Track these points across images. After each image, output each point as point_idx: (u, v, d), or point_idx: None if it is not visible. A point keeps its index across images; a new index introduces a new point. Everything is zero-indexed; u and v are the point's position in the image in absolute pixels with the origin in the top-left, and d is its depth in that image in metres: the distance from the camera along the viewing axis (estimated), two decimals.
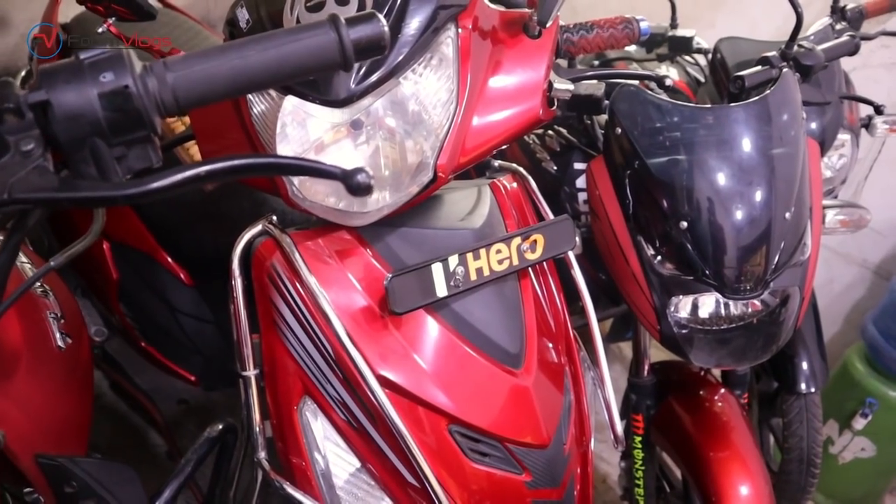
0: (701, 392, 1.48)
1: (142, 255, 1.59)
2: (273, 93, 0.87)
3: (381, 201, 0.90)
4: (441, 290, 0.92)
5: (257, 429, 0.99)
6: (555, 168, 1.52)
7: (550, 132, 1.53)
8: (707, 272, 1.17)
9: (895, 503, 2.36)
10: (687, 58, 1.93)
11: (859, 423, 2.11)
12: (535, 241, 1.01)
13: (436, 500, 0.91)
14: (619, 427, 1.12)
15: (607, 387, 1.13)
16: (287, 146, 0.86)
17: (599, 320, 1.86)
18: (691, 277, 1.19)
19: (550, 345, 1.08)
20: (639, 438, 1.54)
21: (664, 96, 1.24)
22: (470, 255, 0.95)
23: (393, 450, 0.94)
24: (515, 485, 0.97)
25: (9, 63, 2.12)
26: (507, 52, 0.97)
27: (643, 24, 1.07)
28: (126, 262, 1.62)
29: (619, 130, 1.23)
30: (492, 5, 0.98)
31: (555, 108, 1.03)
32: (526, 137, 1.58)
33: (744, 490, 1.32)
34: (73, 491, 0.83)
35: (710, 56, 1.68)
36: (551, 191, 1.51)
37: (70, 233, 1.59)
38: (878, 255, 2.33)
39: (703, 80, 1.88)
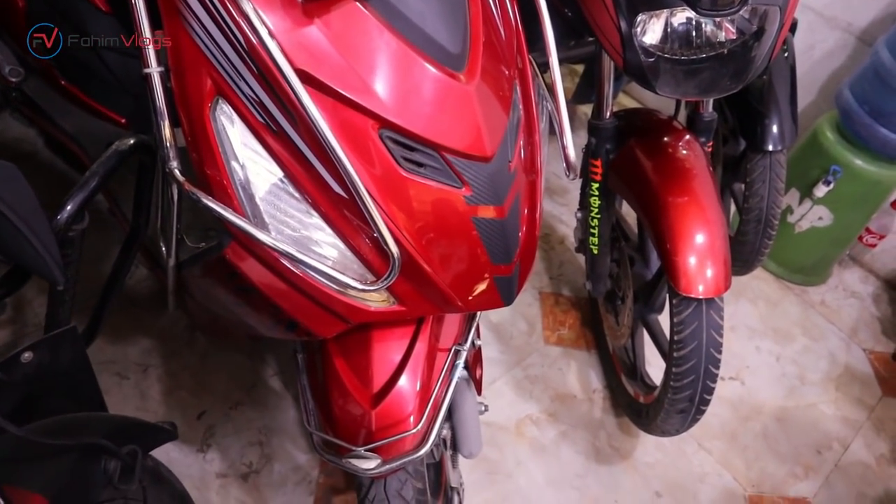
0: (664, 137, 1.40)
1: None
2: None
3: None
4: None
5: (166, 135, 0.88)
6: None
7: None
8: None
9: (842, 273, 2.41)
10: None
11: (821, 190, 2.08)
12: None
13: (364, 209, 0.83)
14: (572, 152, 1.04)
15: (561, 109, 1.03)
16: None
17: (562, 60, 1.74)
18: None
19: (499, 55, 0.96)
20: (596, 185, 1.48)
21: None
22: None
23: (317, 156, 0.85)
24: (453, 198, 0.89)
25: None
26: None
27: None
28: None
29: None
30: None
31: None
32: None
33: (699, 238, 1.27)
34: None
35: None
36: None
37: None
38: (865, 17, 2.17)
39: None
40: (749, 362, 2.02)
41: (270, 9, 0.80)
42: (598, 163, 1.45)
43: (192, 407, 1.63)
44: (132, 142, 0.99)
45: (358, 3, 0.83)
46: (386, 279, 0.89)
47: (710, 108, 1.46)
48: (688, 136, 1.41)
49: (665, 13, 1.09)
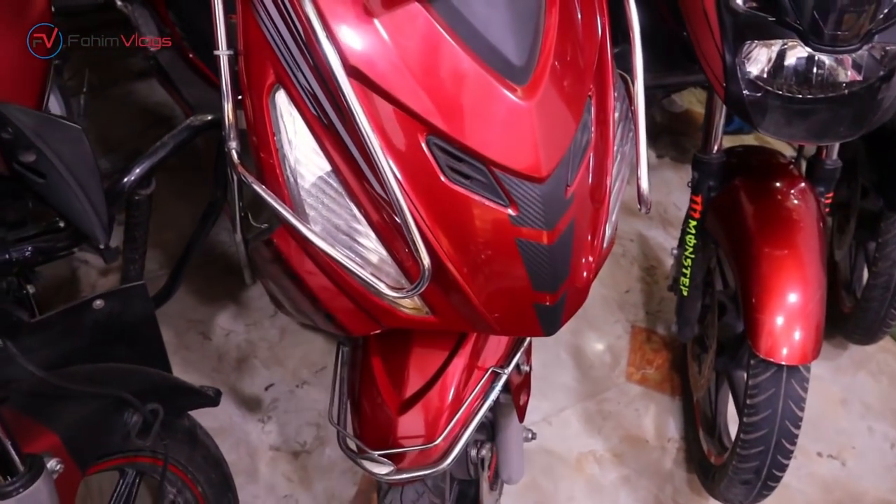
0: (774, 181, 1.27)
1: None
2: None
3: None
4: None
5: (228, 117, 0.90)
6: None
7: None
8: (793, 11, 0.92)
9: None
10: None
11: None
12: None
13: (399, 213, 0.81)
14: (645, 184, 0.96)
15: (641, 136, 0.96)
16: None
17: (660, 85, 1.62)
18: (773, 18, 0.95)
19: (574, 70, 0.90)
20: (693, 223, 1.37)
21: None
22: None
23: (362, 154, 0.83)
24: (497, 216, 0.85)
25: None
26: None
27: None
28: None
29: None
30: None
31: None
32: None
33: (792, 297, 1.15)
34: (10, 138, 0.79)
35: None
36: None
37: None
38: None
39: None
40: (856, 443, 1.81)
41: (332, 2, 0.80)
42: (699, 199, 1.34)
43: (262, 378, 1.69)
44: (208, 118, 1.02)
45: (419, 5, 0.81)
46: (414, 288, 0.86)
47: (835, 155, 1.31)
48: (803, 184, 1.27)
49: (776, 44, 0.98)
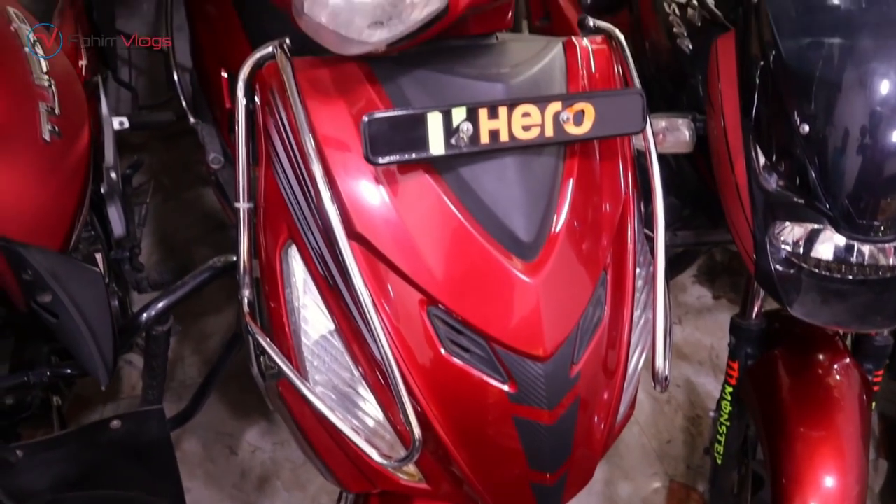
0: (817, 354, 1.20)
1: None
2: None
3: (381, 34, 0.75)
4: (437, 148, 0.77)
5: (243, 266, 0.92)
6: (690, 47, 1.24)
7: (694, 2, 1.23)
8: (824, 196, 0.89)
9: None
10: None
11: None
12: (581, 111, 0.81)
13: (392, 381, 0.80)
14: (661, 360, 0.92)
15: (658, 308, 0.92)
16: None
17: (713, 242, 1.56)
18: (802, 200, 0.91)
19: (588, 243, 0.89)
20: (730, 389, 1.30)
21: None
22: (483, 112, 0.77)
23: (361, 319, 0.83)
24: (495, 393, 0.83)
25: None
26: None
27: None
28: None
29: None
30: None
31: None
32: (665, 6, 1.30)
33: (828, 482, 1.06)
34: (30, 280, 0.82)
35: None
36: (683, 75, 1.24)
37: None
38: None
39: None
40: None
41: (343, 166, 0.82)
42: (735, 366, 1.28)
43: (282, 500, 1.66)
44: (232, 259, 1.05)
45: (429, 176, 0.82)
46: (404, 458, 0.84)
47: (886, 332, 1.23)
48: (848, 360, 1.19)
49: (807, 227, 0.94)
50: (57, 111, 0.89)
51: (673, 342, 1.39)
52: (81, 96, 1.03)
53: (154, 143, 2.45)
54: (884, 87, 0.86)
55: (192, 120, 1.81)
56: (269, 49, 0.86)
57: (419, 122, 0.76)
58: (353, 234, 0.81)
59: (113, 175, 1.42)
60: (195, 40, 1.87)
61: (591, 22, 0.98)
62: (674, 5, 1.27)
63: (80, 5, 1.65)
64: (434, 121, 0.76)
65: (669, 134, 1.10)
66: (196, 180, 2.37)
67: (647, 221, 0.97)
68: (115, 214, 1.39)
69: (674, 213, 1.37)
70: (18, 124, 0.83)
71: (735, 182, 1.00)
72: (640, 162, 0.96)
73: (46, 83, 0.89)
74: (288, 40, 0.86)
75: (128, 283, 1.55)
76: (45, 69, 0.91)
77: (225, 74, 1.67)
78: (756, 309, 1.25)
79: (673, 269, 1.68)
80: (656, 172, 0.92)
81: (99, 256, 1.29)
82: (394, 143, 0.76)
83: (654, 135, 0.94)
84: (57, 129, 0.87)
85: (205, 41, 1.79)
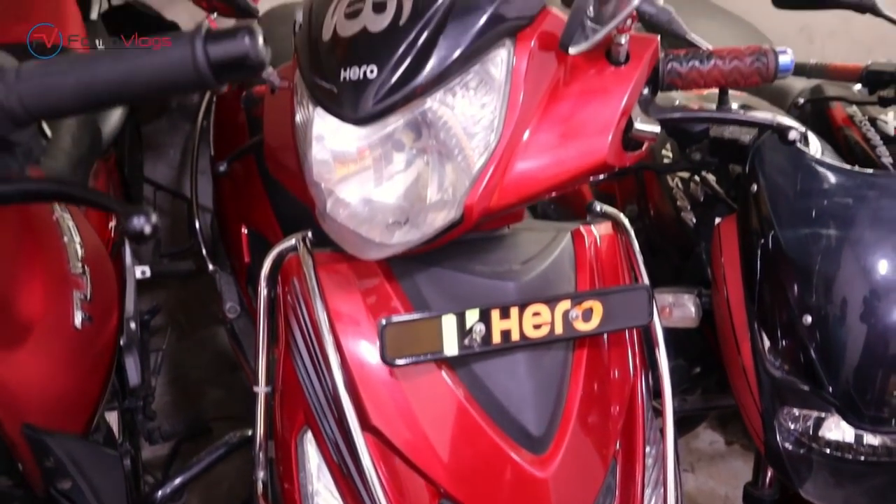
0: None
1: (269, 244, 1.63)
2: (307, 103, 0.81)
3: (399, 237, 0.80)
4: (451, 349, 0.80)
5: (258, 447, 0.94)
6: (694, 220, 1.29)
7: (697, 178, 1.30)
8: (829, 386, 0.91)
9: None
10: None
11: None
12: (590, 308, 0.85)
13: None
14: None
15: (669, 479, 0.92)
16: (314, 160, 0.80)
17: (711, 408, 1.55)
18: (807, 388, 0.93)
19: (597, 433, 0.90)
20: None
21: (825, 152, 0.99)
22: (496, 314, 0.81)
23: None
24: None
25: None
26: (578, 77, 0.81)
27: (783, 59, 0.83)
28: (257, 249, 1.67)
29: (756, 188, 1.00)
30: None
31: (638, 152, 0.85)
32: (669, 180, 1.36)
33: None
34: (51, 467, 0.84)
35: None
36: (687, 246, 1.29)
37: None
38: None
39: None
40: None
41: (360, 361, 0.85)
42: None
43: None
44: (247, 434, 1.07)
45: (443, 372, 0.84)
46: None
47: None
48: None
49: (814, 414, 0.95)
50: (89, 297, 0.93)
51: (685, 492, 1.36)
52: (112, 278, 1.08)
53: (172, 279, 2.51)
54: (883, 282, 0.90)
55: (210, 267, 1.87)
56: (292, 241, 0.92)
57: (434, 325, 0.79)
58: (367, 426, 0.83)
59: (132, 325, 1.46)
60: (217, 191, 1.95)
61: (598, 207, 1.03)
62: (677, 179, 1.33)
63: (113, 163, 1.74)
64: (448, 323, 0.80)
65: (676, 309, 1.14)
66: (211, 319, 2.41)
67: (655, 390, 0.98)
68: (131, 365, 1.42)
69: (682, 374, 1.39)
70: (53, 315, 0.87)
71: (742, 364, 1.02)
72: (646, 336, 0.99)
73: (81, 270, 0.94)
74: (310, 233, 0.92)
75: (139, 434, 1.56)
76: (80, 256, 0.97)
77: (245, 230, 1.75)
78: (768, 478, 1.23)
79: (682, 428, 1.67)
80: (663, 360, 0.94)
81: (114, 415, 1.30)
82: (410, 345, 0.79)
83: (661, 309, 0.97)
84: (89, 315, 0.91)
85: (227, 193, 1.87)
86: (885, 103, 1.45)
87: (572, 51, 0.72)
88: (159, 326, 2.03)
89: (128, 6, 2.01)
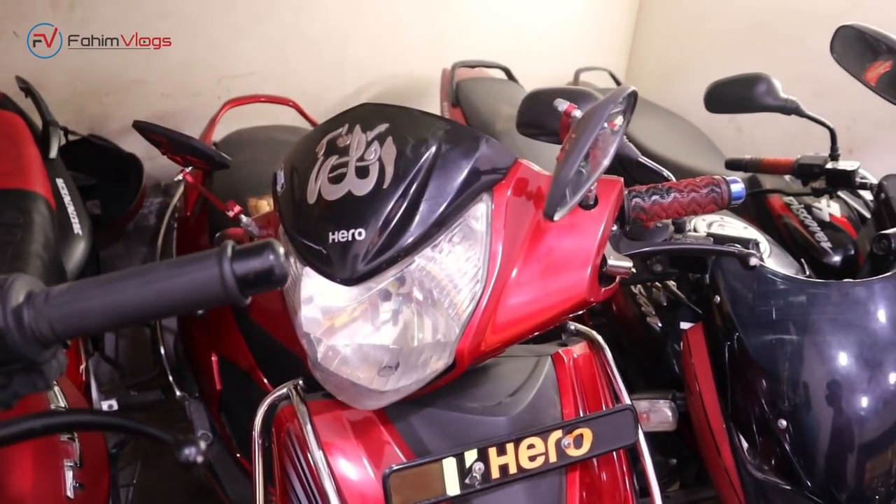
0: None
1: (241, 372, 1.62)
2: (295, 261, 0.84)
3: (393, 383, 0.83)
4: (452, 489, 0.82)
5: None
6: (660, 325, 1.35)
7: (658, 284, 1.37)
8: (811, 484, 0.95)
9: None
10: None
11: None
12: (580, 434, 0.88)
13: None
14: None
15: None
16: (304, 317, 0.82)
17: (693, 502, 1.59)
18: (790, 488, 0.97)
19: None
20: None
21: (776, 266, 1.06)
22: (493, 451, 0.84)
23: None
24: None
25: None
26: (553, 223, 0.87)
27: (735, 188, 0.91)
28: (229, 376, 1.66)
29: (719, 300, 1.07)
30: (539, 170, 0.88)
31: (612, 286, 0.90)
32: (632, 287, 1.43)
33: None
34: None
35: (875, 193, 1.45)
36: (655, 348, 1.34)
37: None
38: None
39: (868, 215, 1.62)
40: None
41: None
42: None
43: None
44: None
45: None
46: None
47: None
48: None
49: None
50: (80, 464, 0.92)
51: None
52: (100, 436, 1.07)
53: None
54: (844, 378, 0.95)
55: (178, 393, 1.84)
56: (284, 391, 0.93)
57: (436, 469, 0.81)
58: None
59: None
60: (182, 317, 1.94)
61: (572, 327, 1.08)
62: (639, 286, 1.40)
63: None
64: (449, 466, 0.82)
65: (653, 414, 1.18)
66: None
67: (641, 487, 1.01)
68: None
69: (661, 469, 1.42)
70: (43, 487, 0.86)
71: (724, 467, 1.06)
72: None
73: (70, 436, 0.93)
74: (301, 381, 0.93)
75: None
76: None
77: (215, 357, 1.74)
78: None
79: None
80: (650, 469, 0.97)
81: None
82: (414, 491, 0.81)
83: (639, 416, 1.01)
84: (80, 483, 0.90)
85: (193, 321, 1.86)
86: (818, 194, 1.57)
87: (557, 217, 0.77)
88: (128, 460, 1.96)
89: (85, 140, 2.03)
